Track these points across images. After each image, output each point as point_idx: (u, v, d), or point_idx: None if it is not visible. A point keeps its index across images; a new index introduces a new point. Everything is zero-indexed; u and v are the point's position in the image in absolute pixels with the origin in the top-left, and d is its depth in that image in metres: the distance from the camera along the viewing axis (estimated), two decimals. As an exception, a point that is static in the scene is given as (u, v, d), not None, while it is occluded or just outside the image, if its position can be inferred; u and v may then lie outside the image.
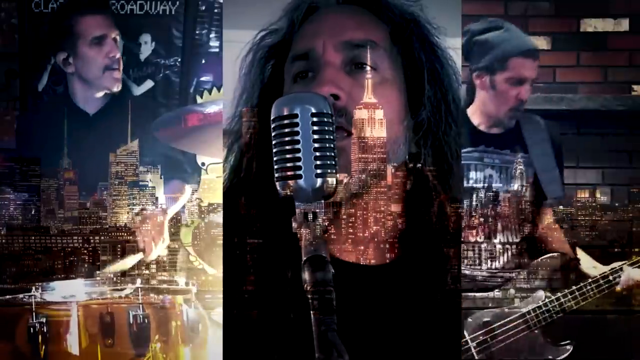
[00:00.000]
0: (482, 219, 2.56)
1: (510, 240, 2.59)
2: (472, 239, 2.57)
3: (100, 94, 2.80)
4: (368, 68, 1.56)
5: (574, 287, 2.52)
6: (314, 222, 1.23)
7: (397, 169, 1.58)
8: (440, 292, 1.56)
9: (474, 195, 2.59)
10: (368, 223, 1.57)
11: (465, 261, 2.54)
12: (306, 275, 1.18)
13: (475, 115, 2.70)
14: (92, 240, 2.33)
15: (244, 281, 1.58)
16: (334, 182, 1.25)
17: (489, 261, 2.55)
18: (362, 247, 1.57)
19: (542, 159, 2.67)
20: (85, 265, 2.30)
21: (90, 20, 2.78)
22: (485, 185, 2.59)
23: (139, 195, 2.43)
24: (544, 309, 2.52)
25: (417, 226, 1.58)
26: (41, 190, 2.49)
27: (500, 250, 2.57)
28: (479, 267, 2.56)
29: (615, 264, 2.54)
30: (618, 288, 2.51)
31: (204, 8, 3.14)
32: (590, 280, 2.53)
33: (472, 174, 2.61)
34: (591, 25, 3.44)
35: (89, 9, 2.81)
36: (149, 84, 3.12)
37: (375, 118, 1.52)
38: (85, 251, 2.31)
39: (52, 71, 3.01)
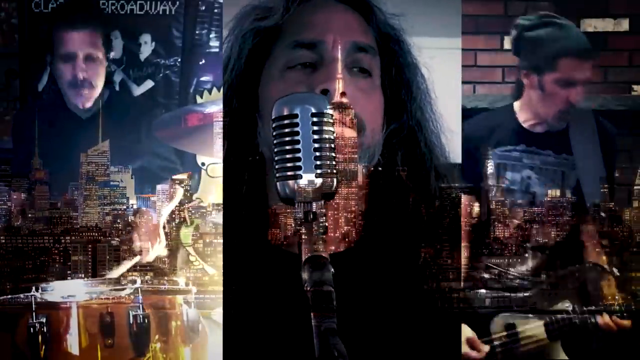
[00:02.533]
0: (516, 221, 2.40)
1: (544, 245, 2.40)
2: (504, 240, 2.41)
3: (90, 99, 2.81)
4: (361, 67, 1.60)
5: (601, 304, 2.30)
6: (314, 222, 1.23)
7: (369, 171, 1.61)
8: (414, 289, 1.58)
9: (510, 196, 2.44)
10: (339, 223, 1.58)
11: (495, 261, 2.41)
12: (306, 275, 1.18)
13: (521, 111, 2.58)
14: (62, 240, 2.32)
15: (244, 281, 1.59)
16: (334, 182, 1.25)
17: (518, 264, 2.38)
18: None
19: (586, 162, 2.50)
20: (57, 266, 2.29)
21: (65, 35, 2.78)
22: (523, 187, 2.47)
23: (109, 195, 2.43)
24: (567, 321, 2.30)
25: (385, 223, 1.60)
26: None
27: (532, 254, 2.39)
28: (507, 269, 2.41)
29: None
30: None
31: (204, 8, 3.14)
32: (619, 297, 2.30)
33: (509, 174, 2.48)
34: (591, 25, 3.44)
35: (69, 23, 2.79)
36: (149, 84, 3.12)
37: (347, 118, 1.52)
38: (56, 251, 2.31)
39: (51, 71, 3.02)
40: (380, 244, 1.59)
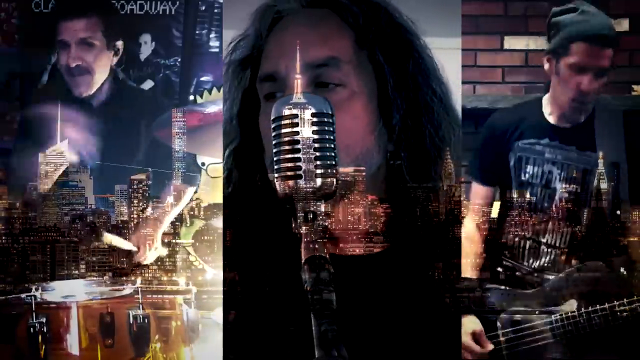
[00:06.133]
0: (532, 216, 2.39)
1: (559, 242, 2.39)
2: (519, 234, 2.40)
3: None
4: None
5: (607, 304, 2.28)
6: (314, 222, 1.23)
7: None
8: (428, 287, 1.58)
9: (528, 191, 2.42)
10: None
11: (508, 255, 2.41)
12: (306, 275, 1.18)
13: (547, 103, 2.51)
14: (21, 240, 2.32)
15: (243, 281, 1.59)
16: (334, 182, 1.25)
17: (531, 259, 2.38)
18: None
19: (610, 159, 2.42)
20: (15, 265, 2.28)
21: (68, 24, 2.79)
22: (543, 181, 2.42)
23: (68, 195, 2.43)
24: (572, 320, 2.30)
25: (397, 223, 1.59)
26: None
27: (546, 251, 2.38)
28: (520, 264, 2.41)
29: None
30: None
31: (204, 8, 3.14)
32: (626, 300, 2.26)
33: (530, 168, 2.44)
34: (591, 25, 3.44)
35: (73, 12, 2.81)
36: (148, 84, 3.12)
37: (305, 118, 1.48)
38: (14, 251, 2.30)
39: (52, 71, 3.02)
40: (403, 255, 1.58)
